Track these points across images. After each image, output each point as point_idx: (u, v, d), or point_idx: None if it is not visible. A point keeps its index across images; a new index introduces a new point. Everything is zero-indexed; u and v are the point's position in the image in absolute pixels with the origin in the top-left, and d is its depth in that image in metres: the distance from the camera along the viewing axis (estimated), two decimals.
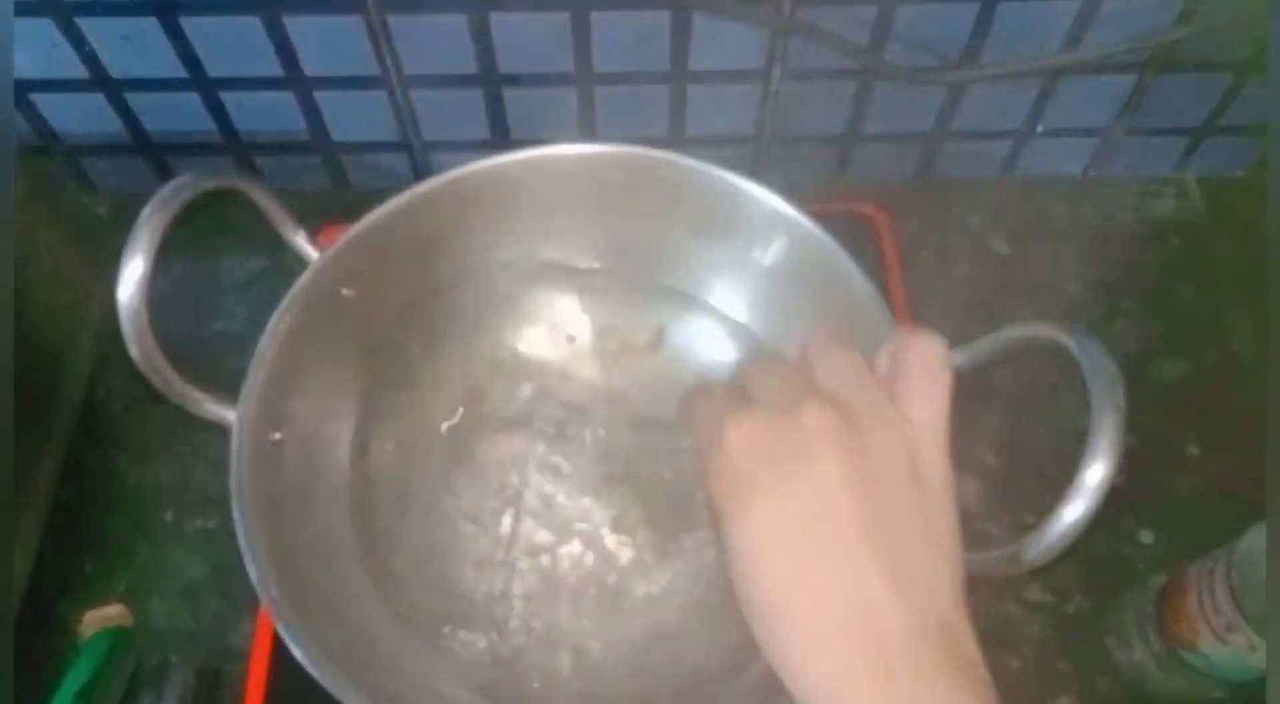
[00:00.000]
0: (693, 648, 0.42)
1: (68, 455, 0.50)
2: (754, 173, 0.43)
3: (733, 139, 0.56)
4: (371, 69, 0.52)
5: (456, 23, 0.49)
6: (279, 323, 0.41)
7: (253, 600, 0.36)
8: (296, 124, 0.55)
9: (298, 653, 0.35)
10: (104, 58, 0.51)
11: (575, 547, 0.44)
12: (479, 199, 0.45)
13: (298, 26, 0.50)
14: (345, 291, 0.43)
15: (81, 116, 0.55)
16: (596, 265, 0.49)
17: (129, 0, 0.48)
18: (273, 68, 0.52)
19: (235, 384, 0.40)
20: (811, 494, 0.27)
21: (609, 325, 0.49)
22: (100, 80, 0.52)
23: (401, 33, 0.50)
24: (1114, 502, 0.31)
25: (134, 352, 0.37)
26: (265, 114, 0.55)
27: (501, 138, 0.56)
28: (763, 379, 0.30)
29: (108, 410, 0.52)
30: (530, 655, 0.42)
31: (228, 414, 0.39)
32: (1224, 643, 0.39)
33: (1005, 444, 0.51)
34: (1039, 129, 0.57)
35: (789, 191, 0.43)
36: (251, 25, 0.49)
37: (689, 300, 0.49)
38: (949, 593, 0.27)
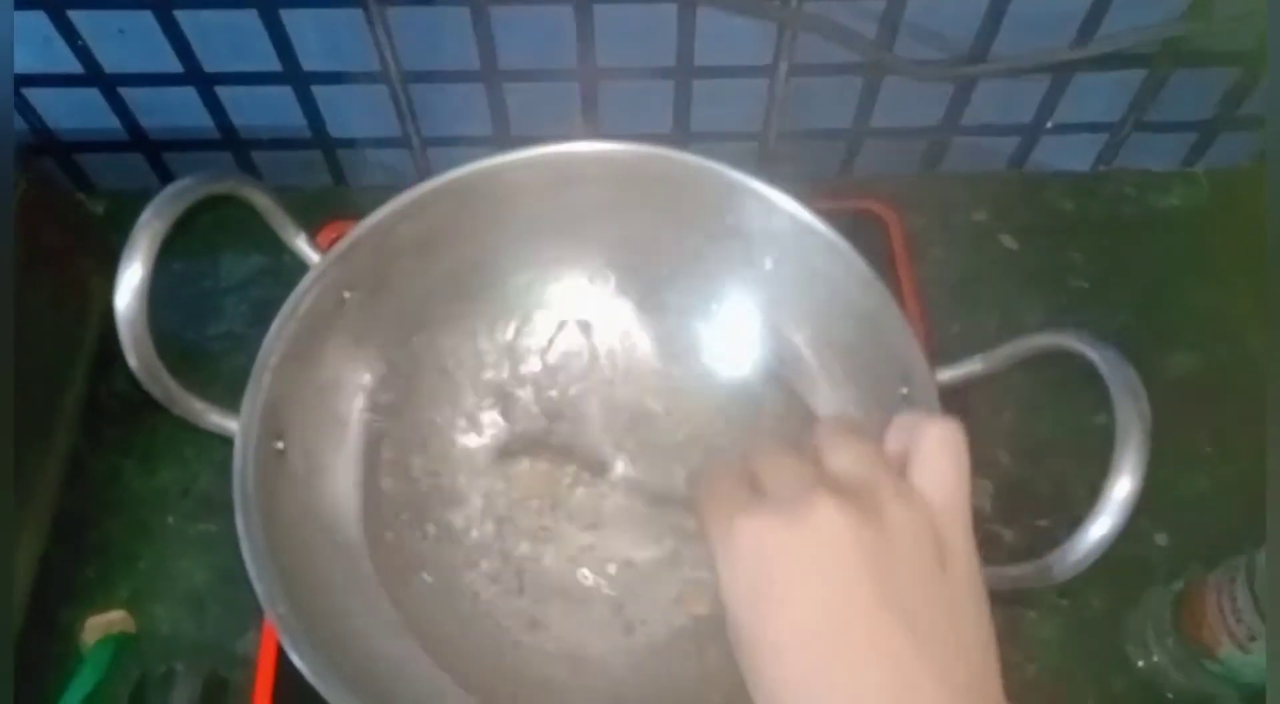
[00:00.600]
0: (686, 666, 0.42)
1: (70, 458, 0.50)
2: (760, 169, 0.43)
3: (738, 135, 0.56)
4: (371, 63, 0.51)
5: (457, 16, 0.48)
6: (280, 329, 0.40)
7: (258, 607, 0.36)
8: (295, 120, 0.54)
9: (304, 669, 0.34)
10: (97, 52, 0.50)
11: (584, 569, 0.44)
12: (480, 199, 0.44)
13: (295, 20, 0.49)
14: (347, 294, 0.43)
15: (76, 112, 0.54)
16: (601, 264, 0.48)
17: None
18: (270, 62, 0.51)
19: (236, 386, 0.39)
20: (832, 592, 0.26)
21: (615, 326, 0.48)
22: (94, 75, 0.51)
23: (401, 26, 0.49)
24: None
25: (132, 361, 0.37)
26: (263, 109, 0.54)
27: (503, 133, 0.55)
28: (773, 471, 0.29)
29: (110, 412, 0.51)
30: (534, 666, 0.42)
31: (230, 424, 0.38)
32: (1245, 651, 0.38)
33: (1018, 444, 0.50)
34: (1049, 124, 0.56)
35: (795, 187, 0.42)
36: (248, 18, 0.48)
37: (695, 299, 0.48)
38: (990, 676, 0.27)
